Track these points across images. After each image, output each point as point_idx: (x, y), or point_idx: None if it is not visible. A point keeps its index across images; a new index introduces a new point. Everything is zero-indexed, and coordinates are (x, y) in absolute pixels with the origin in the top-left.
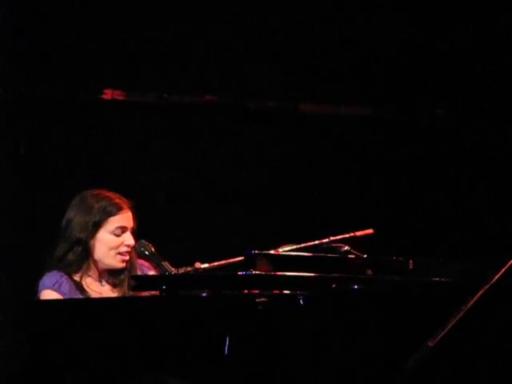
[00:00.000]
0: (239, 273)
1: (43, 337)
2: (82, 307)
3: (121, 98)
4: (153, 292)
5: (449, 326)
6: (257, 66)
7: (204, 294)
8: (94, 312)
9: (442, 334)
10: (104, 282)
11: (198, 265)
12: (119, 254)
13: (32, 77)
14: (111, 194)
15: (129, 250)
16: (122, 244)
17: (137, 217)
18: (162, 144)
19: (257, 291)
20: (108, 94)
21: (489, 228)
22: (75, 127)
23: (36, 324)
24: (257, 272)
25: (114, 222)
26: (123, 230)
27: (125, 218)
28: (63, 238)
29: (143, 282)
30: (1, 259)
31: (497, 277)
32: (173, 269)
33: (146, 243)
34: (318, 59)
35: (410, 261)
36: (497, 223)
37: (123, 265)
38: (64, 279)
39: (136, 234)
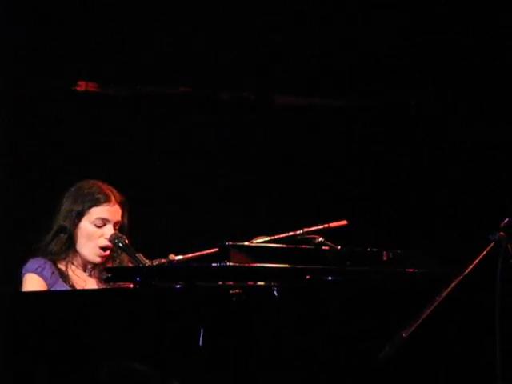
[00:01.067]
0: (213, 264)
1: (17, 329)
2: (55, 299)
3: (95, 89)
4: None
5: (423, 317)
6: (231, 56)
7: (178, 286)
8: (67, 304)
9: (415, 325)
10: (88, 273)
11: (171, 256)
12: (97, 246)
13: (7, 67)
14: (104, 186)
15: (107, 243)
16: (100, 236)
17: (128, 213)
18: (136, 136)
19: (231, 283)
20: (82, 86)
21: (462, 218)
22: (49, 119)
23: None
24: (231, 263)
25: (97, 212)
26: (105, 221)
27: (109, 211)
28: (52, 225)
29: (117, 273)
30: None
31: (470, 267)
32: (147, 260)
33: (120, 235)
34: (299, 50)
35: (384, 252)
36: (470, 213)
37: (99, 260)
38: (48, 265)
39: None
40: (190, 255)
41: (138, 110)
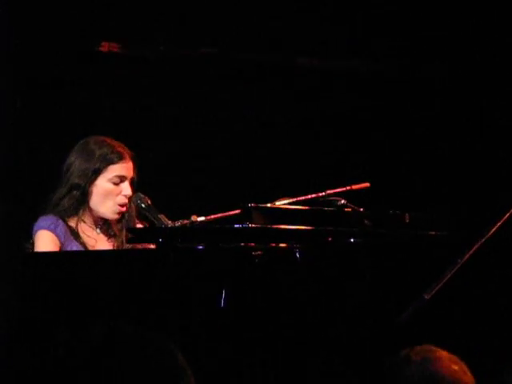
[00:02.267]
0: (235, 226)
1: (34, 289)
2: (76, 259)
3: (117, 50)
4: (148, 244)
5: (445, 279)
6: (252, 19)
7: (200, 247)
8: (88, 264)
9: (437, 287)
10: (99, 230)
11: (194, 218)
12: (116, 204)
13: (28, 29)
14: (114, 143)
15: (125, 200)
16: (119, 193)
17: (138, 169)
18: (158, 97)
19: (253, 244)
20: (105, 47)
21: (485, 182)
22: (72, 79)
23: (27, 276)
24: (253, 225)
25: (114, 170)
26: (122, 179)
27: (125, 168)
28: (62, 183)
29: (139, 234)
30: None
31: (492, 230)
32: (169, 222)
33: (143, 196)
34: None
35: (407, 214)
36: (493, 176)
37: (117, 216)
38: (60, 222)
39: (135, 186)
40: (212, 216)
41: (161, 71)
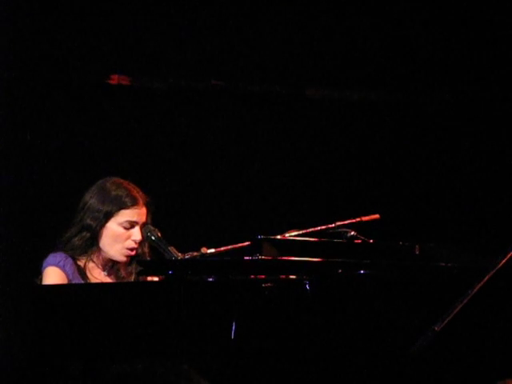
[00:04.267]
0: (246, 258)
1: (45, 322)
2: (86, 292)
3: (127, 83)
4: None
5: (455, 311)
6: (262, 50)
7: (210, 279)
8: (97, 297)
9: (448, 319)
10: (106, 272)
11: (204, 250)
12: (124, 247)
13: (38, 61)
14: (130, 187)
15: (134, 245)
16: (128, 238)
17: (151, 213)
18: (168, 129)
19: (263, 276)
20: (114, 79)
21: (495, 213)
22: (81, 112)
23: (37, 309)
24: (263, 257)
25: (126, 215)
26: (133, 224)
27: (137, 214)
28: (75, 221)
29: (149, 266)
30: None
31: (503, 261)
32: (179, 254)
33: (153, 228)
34: (323, 43)
35: (417, 246)
36: (503, 208)
37: (125, 259)
38: (69, 260)
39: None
40: (222, 248)
41: (170, 103)
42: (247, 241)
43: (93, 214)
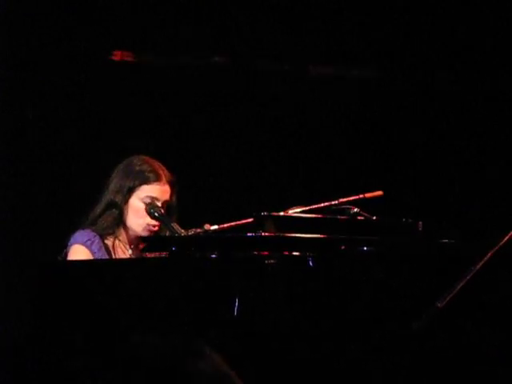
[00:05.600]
0: (248, 234)
1: (53, 298)
2: (89, 268)
3: (130, 59)
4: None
5: (458, 288)
6: (266, 27)
7: (213, 256)
8: (101, 273)
9: (450, 296)
10: (131, 251)
11: (207, 226)
12: (146, 223)
13: (41, 38)
14: (155, 163)
15: (155, 222)
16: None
17: (176, 193)
18: (171, 105)
19: (266, 253)
20: (118, 56)
21: (500, 190)
22: (84, 88)
23: (45, 284)
24: (266, 233)
25: (147, 190)
26: (153, 200)
27: (158, 190)
28: (101, 198)
29: (153, 243)
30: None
31: (506, 238)
32: (182, 230)
33: (156, 204)
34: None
35: (420, 222)
36: (509, 184)
37: (148, 233)
38: (97, 239)
39: (174, 212)
40: (225, 225)
41: (173, 79)
42: (250, 217)
43: (117, 189)
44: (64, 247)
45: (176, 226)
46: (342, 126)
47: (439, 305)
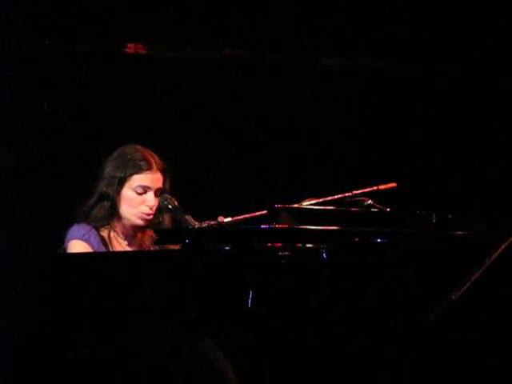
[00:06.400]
0: (262, 226)
1: (63, 290)
2: (104, 260)
3: (144, 51)
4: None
5: (472, 279)
6: (276, 19)
7: (227, 248)
8: (116, 265)
9: (465, 287)
10: (127, 242)
11: (221, 218)
12: (139, 212)
13: (55, 30)
14: (146, 152)
15: (149, 211)
16: (142, 203)
17: (169, 180)
18: (183, 97)
19: (280, 245)
20: (131, 48)
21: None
22: (98, 81)
23: (58, 277)
24: (280, 226)
25: (138, 179)
26: (145, 189)
27: (150, 179)
28: (94, 190)
29: (166, 235)
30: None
31: None
32: (196, 222)
33: (169, 197)
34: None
35: (433, 214)
36: None
37: (142, 222)
38: (93, 232)
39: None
40: (239, 217)
41: (185, 72)
42: (264, 209)
43: (108, 181)
44: (60, 243)
45: (189, 218)
46: (356, 118)
47: (454, 297)
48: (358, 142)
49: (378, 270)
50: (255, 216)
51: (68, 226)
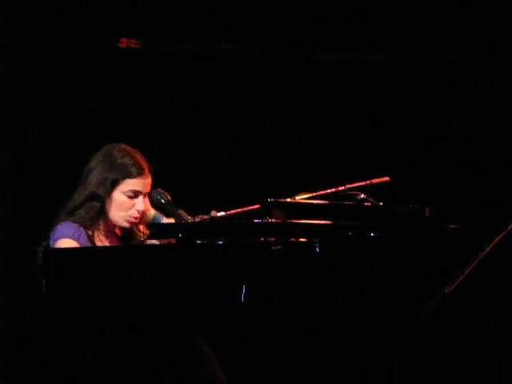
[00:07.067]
0: (255, 221)
1: (58, 285)
2: (98, 255)
3: (136, 46)
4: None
5: (465, 273)
6: (272, 13)
7: (220, 242)
8: (108, 260)
9: (458, 281)
10: (108, 240)
11: (214, 213)
12: (128, 216)
13: (46, 24)
14: (137, 155)
15: (137, 215)
16: (132, 207)
17: (157, 167)
18: (177, 92)
19: (273, 239)
20: (124, 43)
21: (507, 175)
22: (90, 75)
23: (52, 272)
24: (273, 220)
25: (131, 184)
26: (136, 193)
27: (142, 183)
28: (81, 188)
29: (160, 230)
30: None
31: None
32: (189, 217)
33: (162, 191)
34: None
35: (426, 208)
36: None
37: (128, 225)
38: (82, 230)
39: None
40: (232, 211)
41: (179, 66)
42: (257, 204)
43: (99, 181)
44: (41, 239)
45: (182, 213)
46: (349, 113)
47: (447, 290)
48: (351, 137)
49: (371, 264)
50: (248, 210)
51: (51, 222)
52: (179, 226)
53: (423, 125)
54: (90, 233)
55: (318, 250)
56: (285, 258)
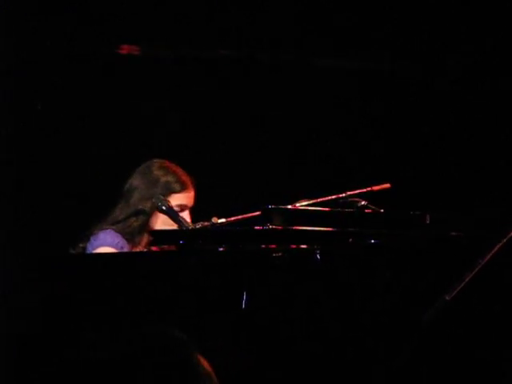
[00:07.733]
0: (256, 227)
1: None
2: (99, 261)
3: (137, 52)
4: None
5: (466, 280)
6: (269, 19)
7: (221, 249)
8: (111, 265)
9: (458, 288)
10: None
11: (215, 219)
12: None
13: (49, 32)
14: (178, 170)
15: None
16: None
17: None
18: (178, 99)
19: (274, 246)
20: (124, 49)
21: (508, 182)
22: (91, 82)
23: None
24: (274, 226)
25: (176, 199)
26: (183, 208)
27: (187, 197)
28: (125, 203)
29: (161, 236)
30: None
31: None
32: (190, 223)
33: (163, 198)
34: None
35: (427, 215)
36: None
37: None
38: (124, 241)
39: (192, 212)
40: (232, 218)
41: (179, 72)
42: (258, 210)
43: (145, 198)
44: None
45: (184, 219)
46: (349, 118)
47: (447, 297)
48: (352, 143)
49: (372, 271)
50: (249, 217)
51: (82, 225)
52: (180, 232)
53: (423, 125)
54: (130, 246)
55: (318, 256)
56: (285, 264)
